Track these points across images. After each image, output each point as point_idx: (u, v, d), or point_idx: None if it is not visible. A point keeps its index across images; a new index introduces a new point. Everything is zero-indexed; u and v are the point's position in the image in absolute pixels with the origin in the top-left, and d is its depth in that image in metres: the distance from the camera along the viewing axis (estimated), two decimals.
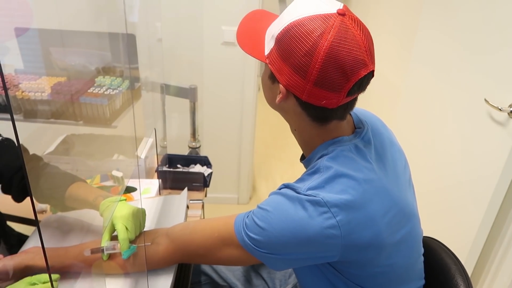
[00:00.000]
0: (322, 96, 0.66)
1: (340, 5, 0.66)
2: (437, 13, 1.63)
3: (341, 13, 0.65)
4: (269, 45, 0.71)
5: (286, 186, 0.72)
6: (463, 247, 1.46)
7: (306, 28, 0.64)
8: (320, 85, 0.65)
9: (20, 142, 0.89)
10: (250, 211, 0.72)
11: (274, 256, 0.69)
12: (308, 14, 0.65)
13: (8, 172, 0.91)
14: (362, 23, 0.67)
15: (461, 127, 1.48)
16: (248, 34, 0.76)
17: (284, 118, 0.79)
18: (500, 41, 1.29)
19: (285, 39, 0.66)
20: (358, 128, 0.79)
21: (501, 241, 1.42)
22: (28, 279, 0.71)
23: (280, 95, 0.71)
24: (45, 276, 0.71)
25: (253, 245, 0.69)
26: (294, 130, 0.79)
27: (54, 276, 0.74)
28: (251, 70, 2.09)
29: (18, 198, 0.92)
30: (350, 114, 0.81)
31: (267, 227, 0.67)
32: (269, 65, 0.70)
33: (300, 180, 0.73)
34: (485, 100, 1.31)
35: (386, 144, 0.82)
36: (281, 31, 0.67)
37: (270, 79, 0.73)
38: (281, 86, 0.69)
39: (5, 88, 0.35)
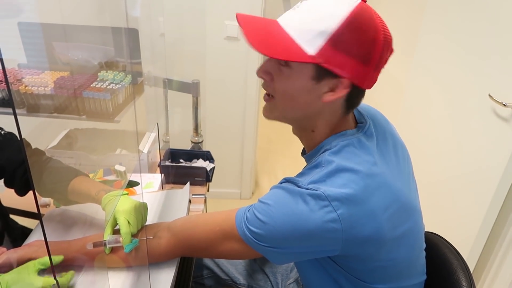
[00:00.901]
0: (375, 78, 0.70)
1: None
2: (441, 9, 1.62)
3: (364, 0, 0.69)
4: (313, 43, 0.66)
5: (287, 180, 0.72)
6: (466, 242, 1.46)
7: (365, 17, 0.66)
8: (377, 68, 0.69)
9: (23, 137, 0.89)
10: (251, 205, 0.72)
11: (275, 250, 0.69)
12: (354, 5, 0.66)
13: (10, 166, 0.92)
14: None
15: (465, 123, 1.48)
16: (268, 40, 0.68)
17: (297, 123, 0.77)
18: (504, 36, 1.28)
19: (349, 32, 0.65)
20: (360, 122, 0.79)
21: (504, 236, 1.42)
22: (31, 265, 0.72)
23: (342, 90, 0.69)
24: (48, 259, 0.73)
25: (254, 239, 0.69)
26: (312, 132, 0.77)
27: (58, 258, 0.75)
28: (254, 65, 2.08)
29: (21, 192, 0.93)
30: None
31: (268, 221, 0.67)
32: (323, 64, 0.66)
33: (301, 174, 0.73)
34: (489, 95, 1.30)
35: (388, 138, 0.81)
36: (341, 25, 0.65)
37: (314, 79, 0.69)
38: (344, 80, 0.68)
39: (7, 83, 0.35)
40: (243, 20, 0.70)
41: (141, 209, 0.85)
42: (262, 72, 0.73)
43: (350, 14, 0.65)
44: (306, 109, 0.73)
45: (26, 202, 1.00)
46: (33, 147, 0.95)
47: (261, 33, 0.68)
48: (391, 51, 0.70)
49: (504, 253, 1.44)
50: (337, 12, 0.65)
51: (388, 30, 0.68)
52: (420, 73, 1.80)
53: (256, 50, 0.66)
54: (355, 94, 0.71)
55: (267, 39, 0.67)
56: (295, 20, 0.68)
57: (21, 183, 0.92)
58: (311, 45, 0.66)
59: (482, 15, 1.38)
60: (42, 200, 1.11)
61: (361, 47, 0.66)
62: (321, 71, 0.67)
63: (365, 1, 0.69)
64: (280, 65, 0.70)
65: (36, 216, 1.09)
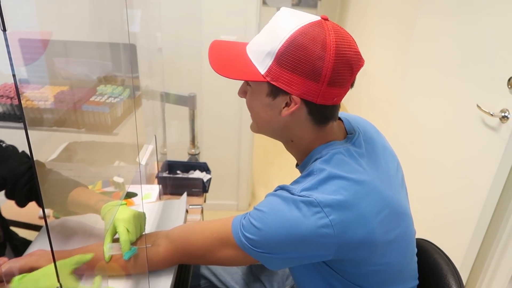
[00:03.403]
0: (334, 94, 0.71)
1: (316, 15, 0.73)
2: (431, 23, 1.67)
3: (325, 19, 0.71)
4: (264, 63, 0.72)
5: (281, 187, 0.75)
6: (459, 251, 1.48)
7: (310, 35, 0.68)
8: (333, 84, 0.70)
9: (24, 150, 0.92)
10: (247, 213, 0.75)
11: (270, 256, 0.72)
12: (303, 24, 0.69)
13: (12, 177, 0.94)
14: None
15: (455, 132, 1.51)
16: (228, 63, 0.76)
17: (278, 136, 0.82)
18: (491, 48, 1.32)
19: (290, 51, 0.68)
20: (350, 133, 0.82)
21: (497, 244, 1.44)
22: (67, 264, 0.75)
23: (293, 106, 0.73)
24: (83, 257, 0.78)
25: (249, 245, 0.72)
26: (291, 142, 0.81)
27: (86, 257, 0.80)
28: None
29: (22, 203, 0.95)
30: (342, 120, 0.84)
31: (262, 227, 0.70)
32: (272, 82, 0.71)
33: (295, 182, 0.76)
34: (478, 106, 1.34)
35: (379, 147, 0.85)
36: (282, 45, 0.69)
37: (270, 96, 0.74)
38: (293, 97, 0.71)
39: (19, 98, 0.38)
40: (214, 46, 0.79)
41: (140, 218, 0.87)
42: (239, 92, 0.82)
43: (292, 34, 0.69)
44: (271, 122, 0.78)
45: (26, 214, 1.02)
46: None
47: (223, 57, 0.77)
48: (355, 67, 0.71)
49: (498, 259, 1.46)
50: (280, 33, 0.70)
51: (347, 47, 0.69)
52: (411, 85, 1.84)
53: (215, 71, 0.74)
54: (316, 109, 0.74)
55: (227, 61, 0.76)
56: (254, 43, 0.76)
57: (22, 194, 0.94)
58: (262, 65, 0.72)
59: (471, 29, 1.42)
60: (41, 212, 1.12)
61: (305, 64, 0.68)
62: (273, 88, 0.72)
63: (326, 19, 0.71)
64: (247, 85, 0.79)
65: (36, 228, 1.10)
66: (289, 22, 0.70)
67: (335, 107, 0.76)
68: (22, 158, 0.97)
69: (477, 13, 1.38)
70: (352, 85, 0.75)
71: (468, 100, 1.41)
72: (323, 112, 0.75)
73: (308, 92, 0.70)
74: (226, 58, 0.77)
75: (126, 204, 0.91)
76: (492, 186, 1.33)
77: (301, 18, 0.70)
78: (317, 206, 0.68)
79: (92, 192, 0.99)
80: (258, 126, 0.83)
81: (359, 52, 0.72)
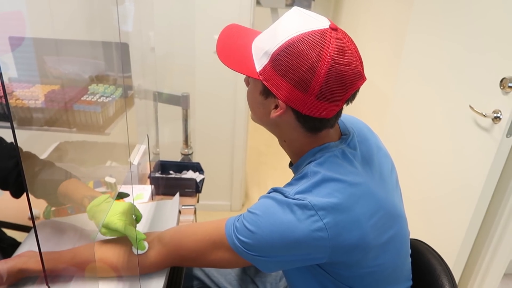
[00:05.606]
0: (322, 108, 0.69)
1: (328, 20, 0.69)
2: (424, 24, 1.68)
3: (334, 28, 0.68)
4: (261, 61, 0.71)
5: (275, 190, 0.74)
6: (452, 250, 1.49)
7: (306, 44, 0.66)
8: (322, 98, 0.68)
9: (11, 142, 0.89)
10: (241, 215, 0.74)
11: (264, 259, 0.71)
12: (304, 31, 0.67)
13: (3, 169, 0.92)
14: (349, 36, 0.71)
15: (448, 133, 1.52)
16: (232, 52, 0.76)
17: (272, 132, 0.81)
18: (483, 50, 1.33)
19: (284, 56, 0.67)
20: (345, 134, 0.81)
21: (489, 243, 1.45)
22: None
23: (279, 110, 0.72)
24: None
25: (243, 248, 0.71)
26: (284, 142, 0.81)
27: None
28: (243, 78, 2.11)
29: (17, 193, 0.93)
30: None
31: (256, 230, 0.69)
32: (264, 82, 0.71)
33: (289, 184, 0.76)
34: (470, 106, 1.35)
35: (373, 149, 0.84)
36: (278, 48, 0.67)
37: (263, 94, 0.74)
38: (280, 101, 0.70)
39: (6, 97, 0.37)
40: (227, 30, 0.80)
41: (131, 210, 0.87)
42: (244, 79, 0.81)
43: (290, 39, 0.67)
44: (263, 119, 0.78)
45: (15, 215, 1.00)
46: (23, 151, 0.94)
47: (230, 44, 0.77)
48: (350, 85, 0.68)
49: (490, 258, 1.47)
50: (280, 35, 0.68)
51: (344, 64, 0.67)
52: (404, 86, 1.85)
53: (217, 55, 0.74)
54: (302, 118, 0.72)
55: (231, 49, 0.76)
56: (258, 38, 0.75)
57: (15, 187, 0.92)
58: (259, 63, 0.71)
59: (464, 30, 1.43)
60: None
61: (296, 72, 0.66)
62: (265, 88, 0.72)
63: (335, 29, 0.68)
64: (249, 77, 0.78)
65: (25, 229, 1.09)
66: (292, 25, 0.68)
67: (334, 117, 0.73)
68: (10, 151, 0.95)
69: (471, 15, 1.39)
70: (348, 102, 0.72)
71: (461, 101, 1.42)
72: (311, 122, 0.73)
73: (295, 100, 0.69)
74: (232, 46, 0.77)
75: (109, 196, 0.90)
76: (485, 186, 1.34)
77: (306, 23, 0.68)
78: (311, 209, 0.67)
79: (79, 186, 0.96)
80: (254, 119, 0.83)
81: (359, 71, 0.69)
